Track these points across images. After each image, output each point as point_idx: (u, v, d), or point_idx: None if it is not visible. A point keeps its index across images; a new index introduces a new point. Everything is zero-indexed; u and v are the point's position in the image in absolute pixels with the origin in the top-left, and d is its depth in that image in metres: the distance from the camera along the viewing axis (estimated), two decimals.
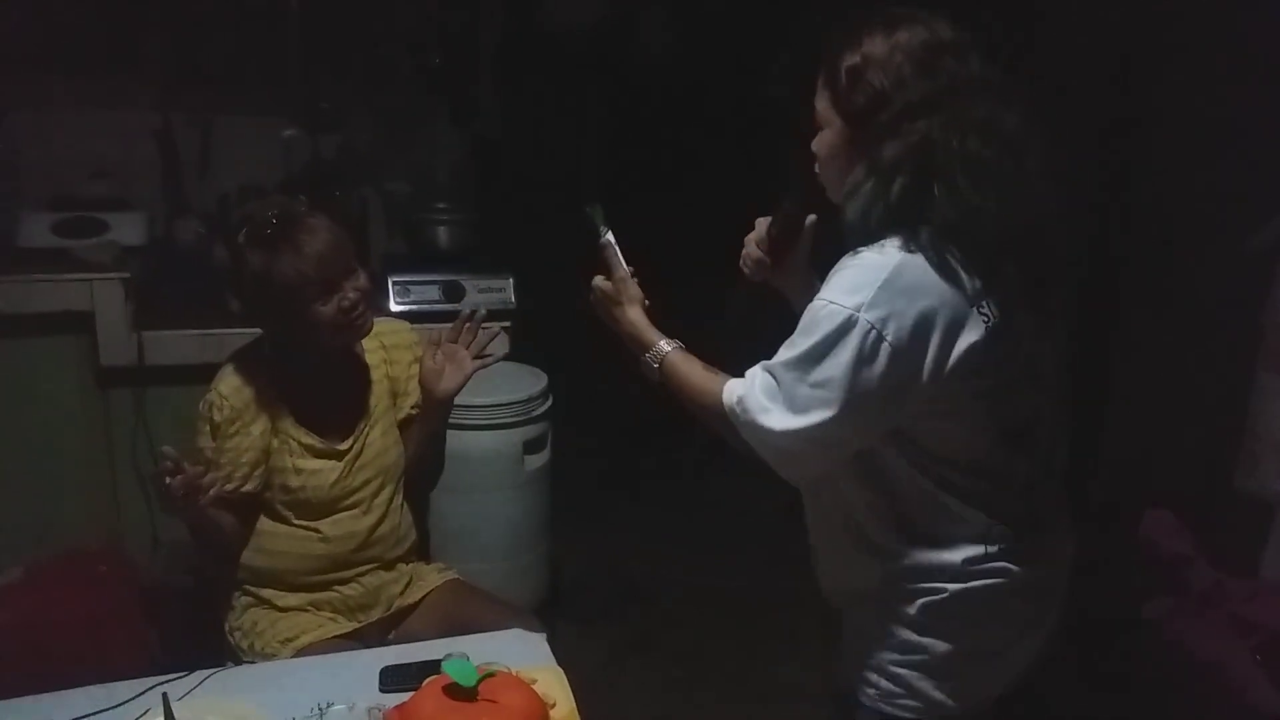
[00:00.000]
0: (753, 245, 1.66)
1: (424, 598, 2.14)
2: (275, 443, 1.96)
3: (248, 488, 1.94)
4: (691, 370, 1.54)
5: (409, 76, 3.35)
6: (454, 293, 3.00)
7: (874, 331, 1.30)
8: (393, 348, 2.13)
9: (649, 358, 1.59)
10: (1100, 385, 3.25)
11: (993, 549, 1.43)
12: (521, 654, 1.73)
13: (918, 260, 1.32)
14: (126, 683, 1.61)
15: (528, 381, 2.96)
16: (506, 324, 3.04)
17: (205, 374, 2.76)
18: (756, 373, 1.43)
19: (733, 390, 1.45)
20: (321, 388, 2.00)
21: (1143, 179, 3.12)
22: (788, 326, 1.41)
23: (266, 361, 1.98)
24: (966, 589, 1.43)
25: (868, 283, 1.31)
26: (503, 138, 3.71)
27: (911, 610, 1.45)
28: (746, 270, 1.67)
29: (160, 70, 3.07)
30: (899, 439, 1.41)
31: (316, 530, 2.01)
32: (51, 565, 2.69)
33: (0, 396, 2.76)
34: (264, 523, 2.01)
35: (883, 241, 1.34)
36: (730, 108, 4.32)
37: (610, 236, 1.69)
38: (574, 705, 1.58)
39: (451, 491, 2.58)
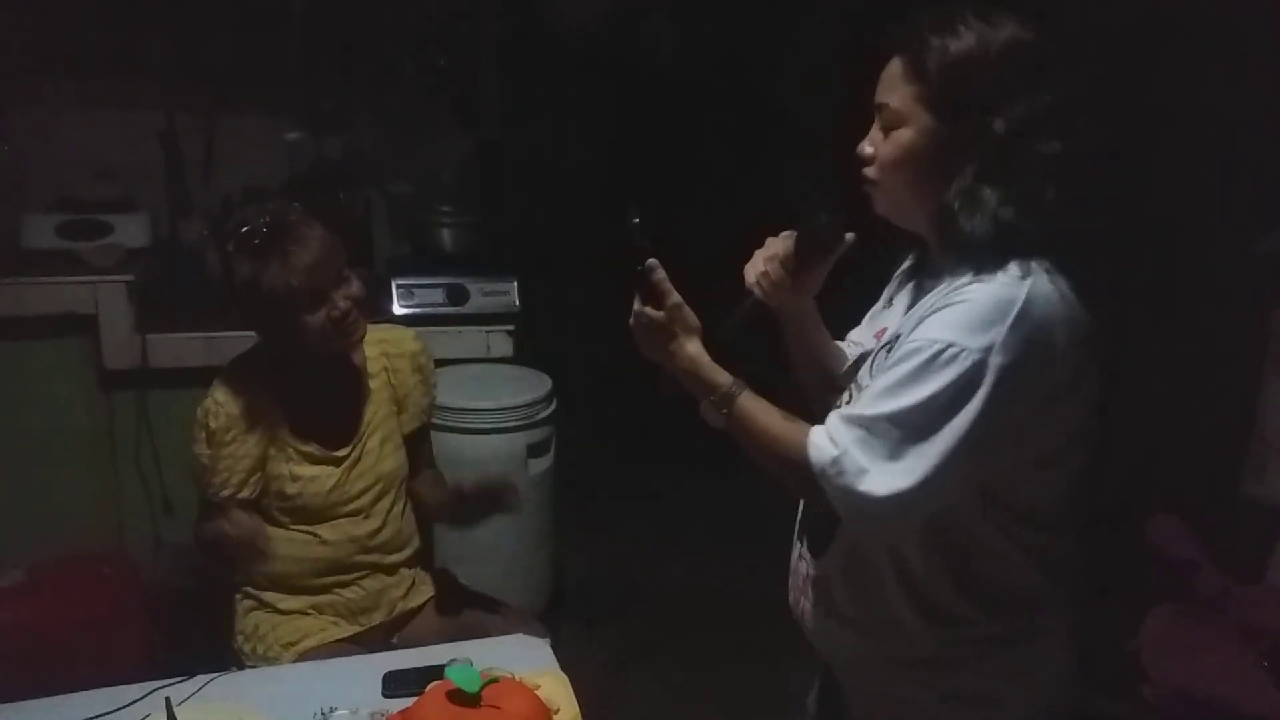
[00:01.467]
0: (775, 263, 1.42)
1: (427, 602, 2.13)
2: (272, 450, 1.95)
3: (244, 494, 1.93)
4: (769, 419, 1.31)
5: (413, 77, 3.35)
6: (458, 296, 2.99)
7: (1007, 378, 1.15)
8: (395, 355, 2.11)
9: (714, 401, 1.34)
10: (1107, 388, 3.24)
11: (1042, 608, 1.35)
12: (525, 659, 1.73)
13: (1045, 290, 1.19)
14: (129, 686, 1.61)
15: (531, 385, 2.96)
16: (510, 327, 3.04)
17: (209, 377, 2.75)
18: (845, 427, 1.24)
19: (821, 449, 1.24)
20: (319, 394, 1.99)
21: (1148, 181, 3.11)
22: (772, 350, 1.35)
23: (263, 368, 1.97)
24: (1013, 650, 1.35)
25: (998, 318, 1.16)
26: (507, 139, 3.70)
27: (964, 672, 1.36)
28: (760, 290, 1.43)
29: (164, 71, 3.06)
30: (985, 496, 1.28)
31: (314, 534, 2.00)
32: (54, 568, 2.69)
33: (3, 399, 2.76)
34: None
35: (996, 271, 1.20)
36: (736, 108, 4.32)
37: (655, 260, 1.40)
38: (578, 710, 1.58)
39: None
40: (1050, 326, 1.18)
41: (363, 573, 2.05)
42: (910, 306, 1.37)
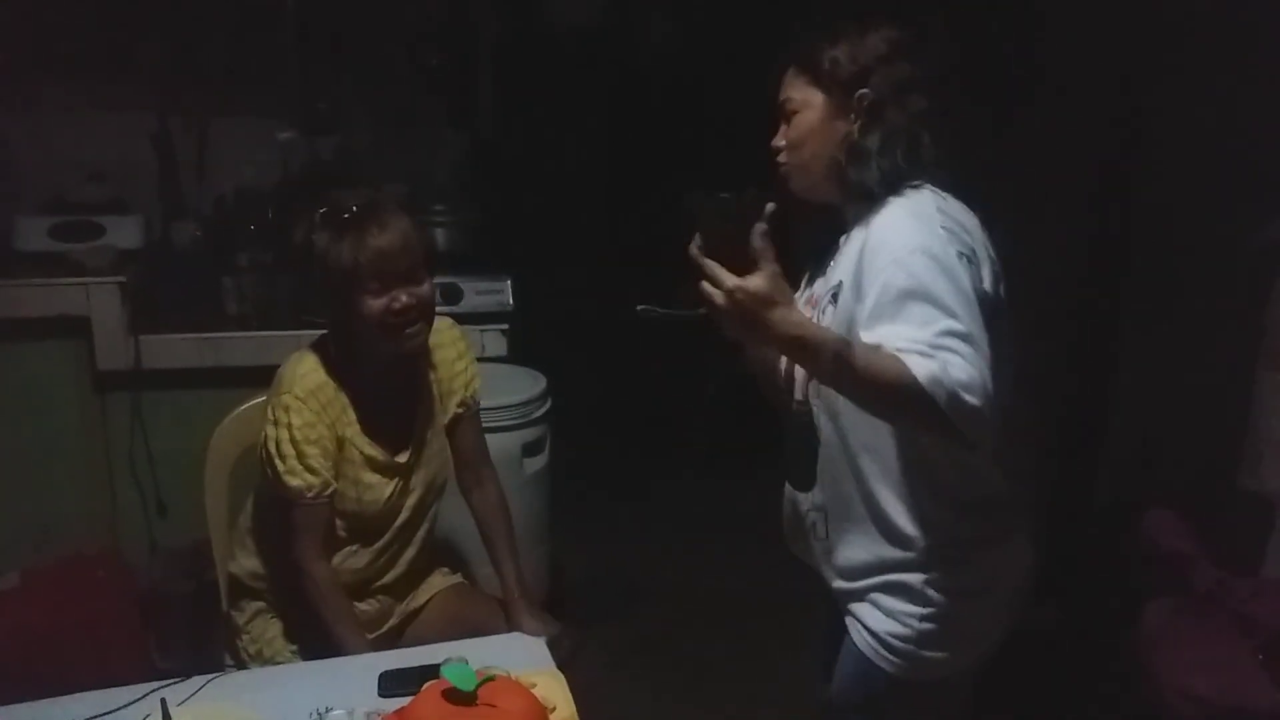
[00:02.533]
0: (756, 236, 1.31)
1: (429, 601, 2.13)
2: (345, 450, 1.90)
3: (328, 492, 1.87)
4: (877, 357, 1.30)
5: (407, 77, 3.35)
6: (452, 295, 2.98)
7: (962, 256, 1.37)
8: (436, 347, 2.04)
9: (834, 354, 1.30)
10: (1102, 384, 3.25)
11: (1006, 515, 1.56)
12: (521, 658, 1.73)
13: (936, 198, 1.44)
14: (124, 688, 1.60)
15: (526, 384, 2.95)
16: (504, 326, 3.03)
17: (202, 378, 2.77)
18: (921, 348, 1.28)
19: (921, 367, 1.26)
20: (379, 393, 1.93)
21: (1142, 178, 3.12)
22: None
23: (332, 363, 1.90)
24: (984, 555, 1.54)
25: (922, 220, 1.39)
26: (501, 138, 3.70)
27: (940, 575, 1.52)
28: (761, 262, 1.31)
29: (156, 73, 3.06)
30: None
31: (359, 546, 1.98)
32: (49, 571, 2.69)
33: None
34: None
35: (887, 199, 1.44)
36: (732, 107, 4.31)
37: (761, 225, 1.30)
38: (574, 709, 1.58)
39: (450, 494, 2.57)
40: (961, 215, 1.43)
41: (384, 586, 2.05)
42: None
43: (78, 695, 1.59)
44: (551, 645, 1.85)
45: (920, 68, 1.47)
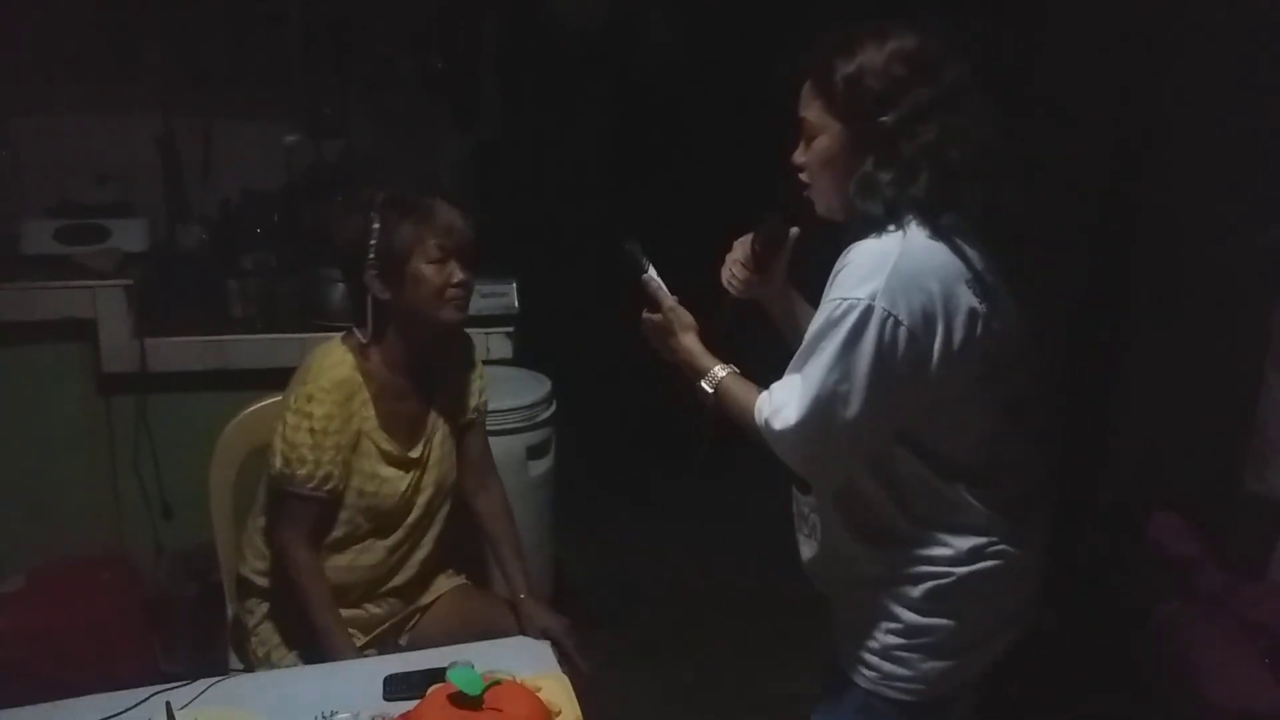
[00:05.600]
0: (738, 264, 1.67)
1: (435, 601, 2.13)
2: (361, 443, 1.94)
3: (335, 486, 1.91)
4: (741, 392, 1.54)
5: (411, 80, 3.36)
6: None
7: (891, 318, 1.35)
8: (453, 353, 2.12)
9: (704, 384, 1.58)
10: (1109, 386, 3.25)
11: (994, 536, 1.49)
12: (526, 661, 1.74)
13: (918, 244, 1.39)
14: (129, 691, 1.61)
15: (531, 387, 2.95)
16: (509, 329, 3.04)
17: (207, 380, 2.77)
18: (777, 384, 1.46)
19: (761, 400, 1.47)
20: (399, 390, 1.98)
21: (1147, 181, 3.12)
22: (774, 338, 1.48)
23: (359, 356, 1.94)
24: (971, 572, 1.49)
25: (877, 270, 1.36)
26: (505, 141, 3.70)
27: (916, 595, 1.50)
28: (733, 288, 1.68)
29: (162, 76, 3.07)
30: (908, 440, 1.45)
31: (370, 543, 2.00)
32: (54, 573, 2.70)
33: (3, 404, 2.76)
34: (335, 531, 1.98)
35: (878, 232, 1.40)
36: (736, 110, 4.31)
37: (652, 270, 1.69)
38: (579, 712, 1.58)
39: (456, 499, 2.57)
40: (926, 272, 1.37)
41: (395, 586, 2.06)
42: None
43: (82, 697, 1.60)
44: (566, 650, 1.89)
45: (940, 86, 1.40)
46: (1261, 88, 2.57)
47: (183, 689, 1.62)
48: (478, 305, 3.00)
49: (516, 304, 3.06)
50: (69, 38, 2.98)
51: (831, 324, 1.38)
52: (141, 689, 1.61)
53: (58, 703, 1.60)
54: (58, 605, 2.60)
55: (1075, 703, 2.68)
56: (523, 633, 1.96)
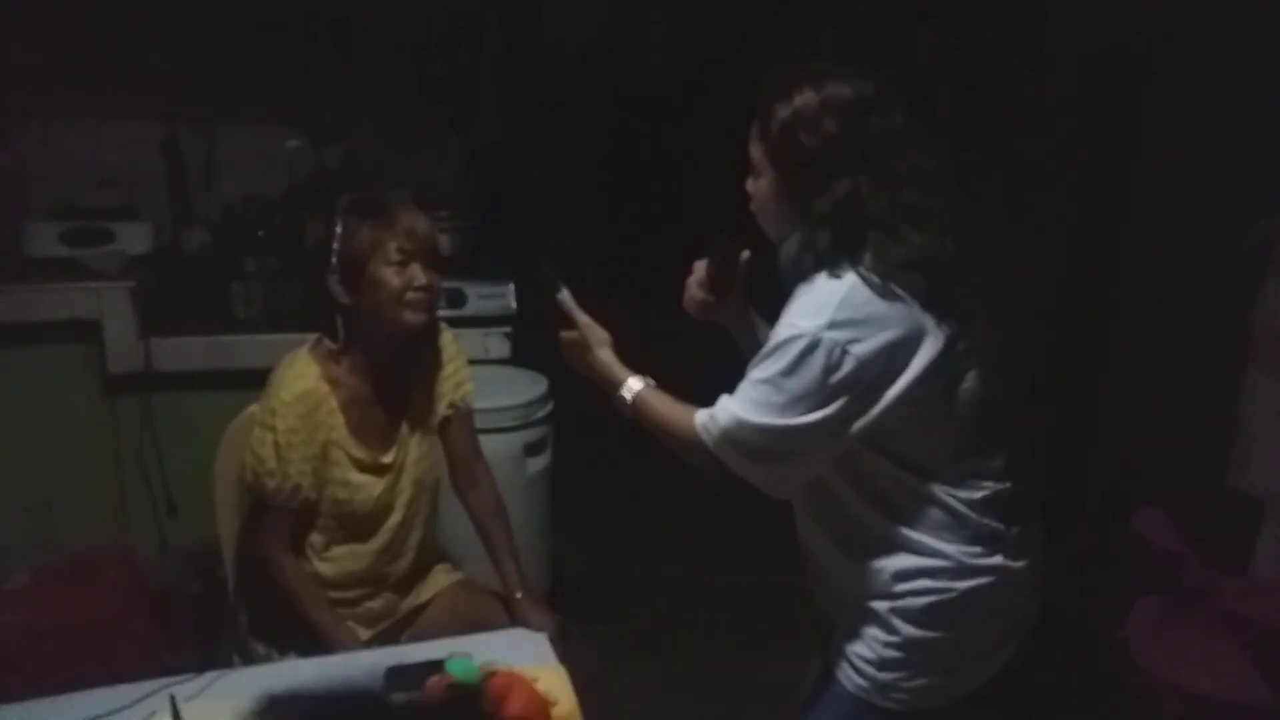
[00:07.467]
0: (694, 287, 1.73)
1: (434, 597, 2.15)
2: (330, 452, 1.95)
3: (307, 496, 1.93)
4: (662, 403, 1.60)
5: (412, 86, 3.38)
6: (455, 299, 3.02)
7: (839, 347, 1.39)
8: (427, 351, 2.09)
9: (621, 395, 1.64)
10: (1093, 385, 3.27)
11: (987, 546, 1.50)
12: (524, 653, 1.76)
13: (863, 279, 1.41)
14: (134, 685, 1.62)
15: (529, 385, 2.98)
16: (507, 329, 3.07)
17: (211, 380, 2.78)
18: (721, 400, 1.50)
19: (702, 412, 1.53)
20: (368, 396, 1.98)
21: (1131, 181, 3.14)
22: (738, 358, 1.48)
23: (325, 364, 1.94)
24: (972, 587, 1.49)
25: (827, 304, 1.40)
26: (504, 145, 3.73)
27: (915, 609, 1.50)
28: (691, 311, 1.75)
29: (166, 81, 3.09)
30: (885, 452, 1.48)
31: (357, 546, 2.02)
32: (60, 569, 2.71)
33: (9, 404, 2.79)
34: (315, 537, 2.01)
35: (835, 268, 1.43)
36: (732, 118, 4.34)
37: (565, 290, 1.76)
38: (576, 704, 1.61)
39: (449, 494, 2.60)
40: (875, 309, 1.40)
41: (390, 583, 2.08)
42: None
43: (88, 691, 1.62)
44: (553, 641, 1.90)
45: (867, 138, 1.43)
46: (1246, 89, 2.60)
47: (188, 683, 1.64)
48: (477, 306, 3.06)
49: (514, 304, 3.09)
50: (74, 44, 2.99)
51: (780, 349, 1.43)
52: (146, 683, 1.63)
53: (63, 697, 1.61)
54: (63, 601, 2.61)
55: (1058, 695, 2.69)
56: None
